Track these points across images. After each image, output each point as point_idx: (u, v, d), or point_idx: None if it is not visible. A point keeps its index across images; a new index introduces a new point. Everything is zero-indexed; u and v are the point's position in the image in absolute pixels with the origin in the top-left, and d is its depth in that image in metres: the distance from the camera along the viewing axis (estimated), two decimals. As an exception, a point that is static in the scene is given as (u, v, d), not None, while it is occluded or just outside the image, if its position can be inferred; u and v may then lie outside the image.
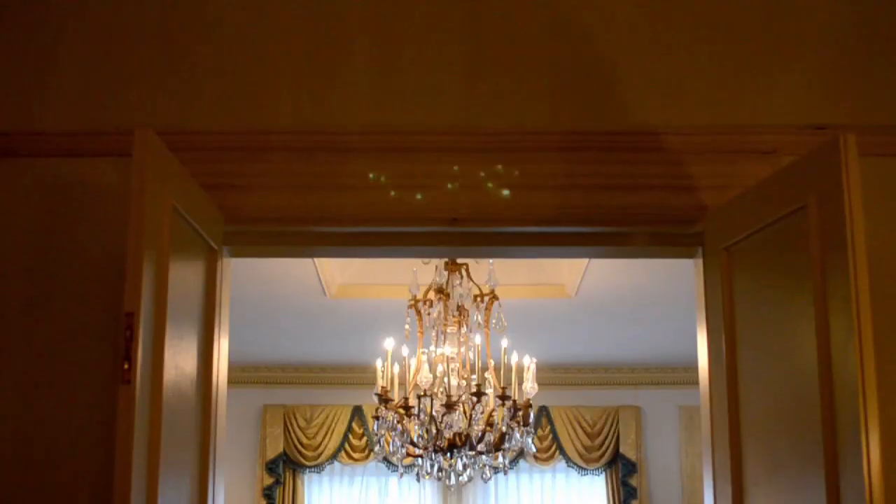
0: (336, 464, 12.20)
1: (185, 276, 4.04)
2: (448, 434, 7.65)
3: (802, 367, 3.75)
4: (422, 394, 7.69)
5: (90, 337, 4.23)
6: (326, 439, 12.12)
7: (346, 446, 12.13)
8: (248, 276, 8.79)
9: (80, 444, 4.15)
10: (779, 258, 3.99)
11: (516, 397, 7.71)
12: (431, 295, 7.94)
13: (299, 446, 12.09)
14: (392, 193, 4.45)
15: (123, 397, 3.46)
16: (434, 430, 7.62)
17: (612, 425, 12.22)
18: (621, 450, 12.13)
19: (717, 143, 4.47)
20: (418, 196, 4.46)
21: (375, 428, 7.84)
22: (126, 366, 3.47)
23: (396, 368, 7.94)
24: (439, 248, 4.97)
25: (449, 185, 4.46)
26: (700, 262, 4.51)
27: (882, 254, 4.19)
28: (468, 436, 7.73)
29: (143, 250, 3.58)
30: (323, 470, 12.16)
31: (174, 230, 3.86)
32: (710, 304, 4.39)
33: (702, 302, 4.47)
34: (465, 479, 8.20)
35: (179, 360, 3.90)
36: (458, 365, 7.93)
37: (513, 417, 7.69)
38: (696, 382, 4.59)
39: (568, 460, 12.14)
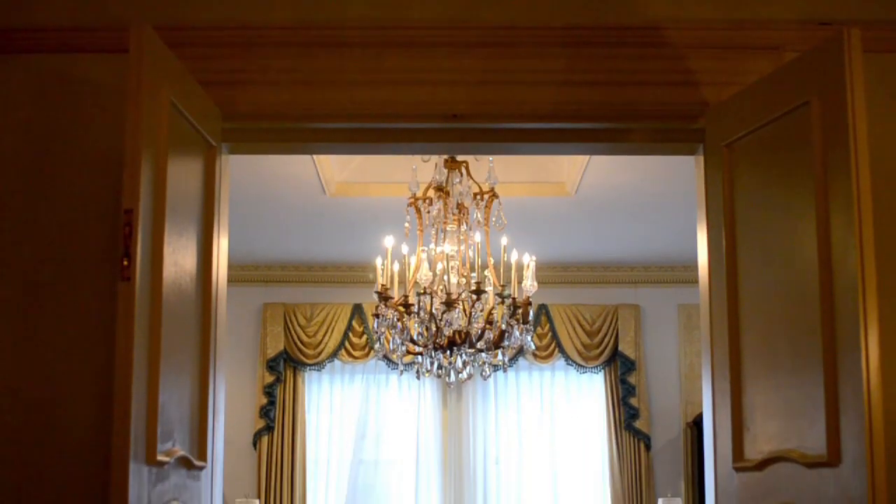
0: (336, 362, 12.25)
1: (183, 173, 4.02)
2: (448, 332, 7.68)
3: (802, 265, 3.75)
4: (421, 292, 7.70)
5: (89, 236, 4.23)
6: (326, 337, 12.16)
7: (347, 344, 12.18)
8: (247, 175, 8.76)
9: (80, 342, 4.16)
10: (780, 155, 3.97)
11: (516, 295, 7.72)
12: (431, 193, 7.92)
13: (299, 344, 12.14)
14: (391, 89, 4.42)
15: (123, 294, 3.46)
16: (434, 328, 7.65)
17: (611, 323, 12.25)
18: (620, 348, 12.18)
19: (720, 39, 4.43)
20: (418, 92, 4.43)
21: (375, 326, 7.86)
22: (125, 262, 3.47)
23: (396, 266, 7.95)
24: (439, 144, 4.95)
25: (449, 81, 4.43)
26: (701, 159, 4.49)
27: (885, 151, 4.17)
28: (468, 333, 7.77)
29: (140, 147, 3.56)
30: (323, 368, 12.22)
31: (172, 127, 3.84)
32: (710, 202, 4.37)
33: (702, 199, 4.46)
34: (465, 376, 8.25)
35: (179, 258, 3.90)
36: (457, 263, 7.94)
37: (512, 315, 7.71)
38: (695, 281, 4.60)
39: (567, 358, 12.19)
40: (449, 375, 8.20)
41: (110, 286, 3.74)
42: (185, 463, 3.96)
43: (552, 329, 12.23)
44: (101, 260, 4.15)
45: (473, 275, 7.66)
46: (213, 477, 4.31)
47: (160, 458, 3.67)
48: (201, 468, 4.15)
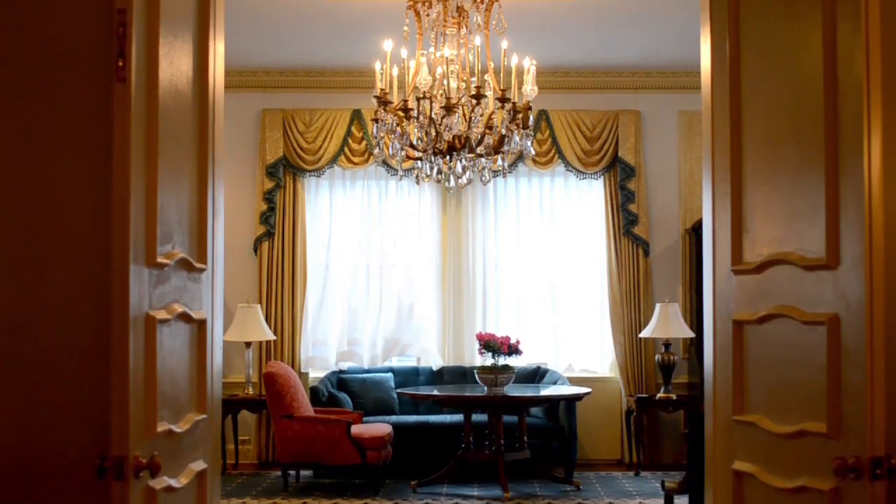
0: (336, 168, 12.27)
1: (177, -27, 3.95)
2: (447, 136, 7.66)
3: (807, 68, 3.71)
4: (421, 96, 7.66)
5: (83, 37, 4.15)
6: (326, 143, 12.14)
7: (346, 150, 12.17)
8: (243, -23, 8.64)
9: (74, 150, 4.10)
10: (787, -45, 3.89)
11: (516, 100, 7.68)
12: (431, -5, 7.82)
13: (299, 150, 12.13)
14: None
15: (119, 95, 3.43)
16: (433, 133, 7.63)
17: (611, 129, 12.22)
18: (620, 154, 12.18)
19: None
20: None
21: (375, 131, 7.84)
22: (120, 63, 3.43)
23: (395, 71, 7.88)
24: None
25: None
26: (706, -41, 4.40)
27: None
28: (467, 138, 7.75)
29: (132, -56, 3.49)
30: (323, 174, 12.23)
31: (164, -76, 3.75)
32: (714, 5, 4.30)
33: (706, 2, 4.39)
34: (464, 181, 8.27)
35: (175, 59, 3.85)
36: (457, 67, 7.88)
37: (512, 120, 7.69)
38: (696, 87, 4.56)
39: (567, 164, 12.19)
40: (448, 181, 8.22)
41: (106, 88, 3.69)
42: (185, 265, 3.98)
43: (552, 135, 12.21)
44: (96, 63, 4.09)
45: (473, 79, 7.61)
46: (214, 280, 4.34)
47: (160, 259, 3.68)
48: (202, 271, 4.17)
